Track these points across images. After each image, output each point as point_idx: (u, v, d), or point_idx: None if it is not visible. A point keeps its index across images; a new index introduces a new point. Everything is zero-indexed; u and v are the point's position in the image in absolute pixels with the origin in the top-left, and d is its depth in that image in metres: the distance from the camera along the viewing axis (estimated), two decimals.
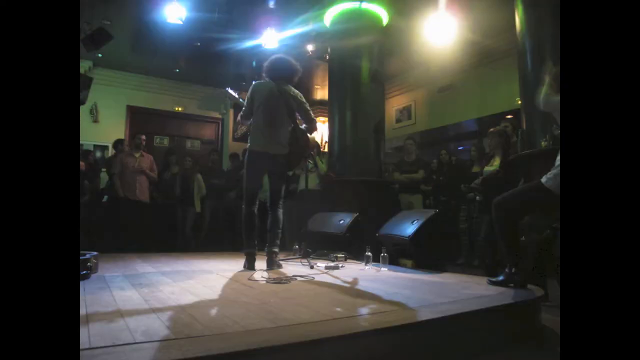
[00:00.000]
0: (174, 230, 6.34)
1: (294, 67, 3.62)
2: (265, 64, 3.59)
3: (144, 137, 6.05)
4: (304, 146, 3.54)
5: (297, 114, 3.53)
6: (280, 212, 3.53)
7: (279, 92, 3.46)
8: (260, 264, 3.42)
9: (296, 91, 3.55)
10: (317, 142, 7.38)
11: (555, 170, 2.44)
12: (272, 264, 3.40)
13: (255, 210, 3.51)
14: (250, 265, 3.35)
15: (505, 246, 2.61)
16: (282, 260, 3.83)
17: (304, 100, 3.56)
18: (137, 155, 5.84)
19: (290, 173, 6.16)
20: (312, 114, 3.60)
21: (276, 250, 3.45)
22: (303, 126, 3.59)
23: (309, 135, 3.65)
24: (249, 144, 3.51)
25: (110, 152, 7.88)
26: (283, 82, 3.53)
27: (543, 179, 2.45)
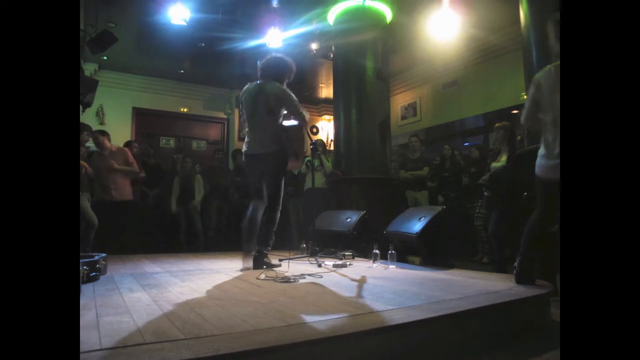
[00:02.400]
0: (178, 231, 6.32)
1: (281, 65, 3.55)
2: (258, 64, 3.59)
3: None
4: (290, 142, 3.42)
5: (284, 110, 3.44)
6: (276, 212, 3.45)
7: (257, 91, 3.46)
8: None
9: (277, 87, 3.43)
10: (322, 141, 7.39)
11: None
12: (258, 264, 3.31)
13: (258, 210, 3.49)
14: (245, 266, 3.36)
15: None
16: (290, 259, 3.84)
17: (285, 95, 3.41)
18: (106, 153, 5.26)
19: (296, 172, 6.20)
20: (299, 108, 3.42)
21: (263, 249, 3.37)
22: (292, 122, 3.47)
23: (305, 130, 3.53)
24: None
25: None
26: (269, 80, 3.48)
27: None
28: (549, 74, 2.54)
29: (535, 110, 2.62)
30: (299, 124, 3.48)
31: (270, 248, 3.43)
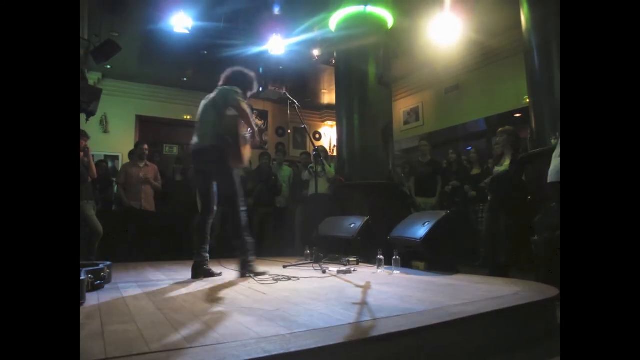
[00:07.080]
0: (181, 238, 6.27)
1: (233, 72, 3.63)
2: None
3: (146, 146, 5.99)
4: (230, 134, 3.25)
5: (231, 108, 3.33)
6: (237, 214, 3.21)
7: (209, 95, 3.52)
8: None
9: (226, 87, 3.48)
10: (324, 147, 7.40)
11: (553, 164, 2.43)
12: (241, 274, 3.23)
13: (206, 217, 3.40)
14: (193, 274, 3.24)
15: None
16: (294, 265, 3.83)
17: (232, 90, 3.37)
18: (141, 165, 5.83)
19: (303, 178, 6.18)
20: (240, 104, 3.26)
21: (245, 257, 3.23)
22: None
23: (244, 121, 3.35)
24: None
25: (123, 161, 7.97)
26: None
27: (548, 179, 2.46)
28: None
29: None
30: (236, 114, 3.33)
31: (252, 253, 3.27)
